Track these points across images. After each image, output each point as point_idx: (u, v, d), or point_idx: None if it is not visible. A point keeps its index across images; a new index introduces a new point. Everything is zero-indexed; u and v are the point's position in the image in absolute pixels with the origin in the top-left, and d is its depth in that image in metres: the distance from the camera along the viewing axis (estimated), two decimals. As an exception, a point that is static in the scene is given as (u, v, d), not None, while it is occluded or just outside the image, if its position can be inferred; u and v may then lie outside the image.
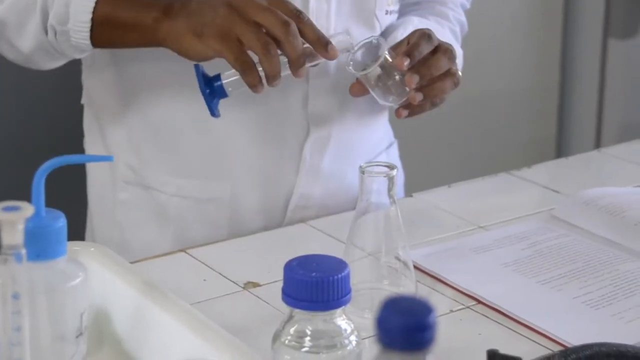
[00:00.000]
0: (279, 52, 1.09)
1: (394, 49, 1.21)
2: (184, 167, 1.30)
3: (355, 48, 1.16)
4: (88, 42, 1.16)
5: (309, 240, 1.25)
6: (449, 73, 1.21)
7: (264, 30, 1.08)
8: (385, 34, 1.34)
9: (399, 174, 1.47)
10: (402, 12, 1.39)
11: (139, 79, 1.28)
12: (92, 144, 1.37)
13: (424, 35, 1.21)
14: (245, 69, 1.09)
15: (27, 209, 0.70)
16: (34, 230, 0.77)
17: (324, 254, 0.83)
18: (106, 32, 1.16)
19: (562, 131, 3.15)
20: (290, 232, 1.28)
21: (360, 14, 1.29)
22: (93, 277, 0.88)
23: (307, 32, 1.11)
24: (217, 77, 1.13)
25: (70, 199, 1.50)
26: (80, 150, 1.40)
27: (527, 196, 1.39)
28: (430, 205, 1.35)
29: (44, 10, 1.16)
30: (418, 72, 1.18)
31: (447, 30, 1.41)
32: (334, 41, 1.13)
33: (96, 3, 1.15)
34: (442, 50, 1.21)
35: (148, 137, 1.30)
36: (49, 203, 0.81)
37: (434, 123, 2.76)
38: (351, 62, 1.17)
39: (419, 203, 1.36)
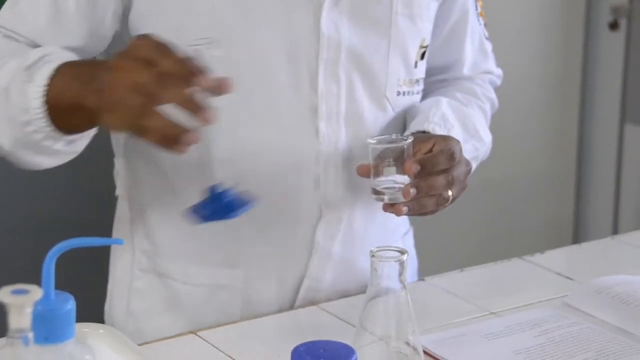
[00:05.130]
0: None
1: (417, 143, 1.21)
2: (197, 253, 1.30)
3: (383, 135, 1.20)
4: (50, 127, 1.11)
5: (320, 324, 1.25)
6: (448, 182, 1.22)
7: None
8: (416, 113, 1.34)
9: (412, 261, 1.48)
10: (430, 90, 1.40)
11: (155, 172, 1.29)
12: (117, 234, 1.38)
13: (447, 152, 1.21)
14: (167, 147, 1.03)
15: (36, 293, 0.70)
16: (43, 313, 0.78)
17: (335, 337, 0.83)
18: (59, 115, 1.11)
19: (579, 216, 3.14)
20: (301, 315, 1.28)
21: (371, 95, 1.29)
22: (101, 359, 0.88)
23: (204, 84, 1.02)
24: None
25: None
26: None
27: (540, 282, 1.39)
28: (442, 289, 1.35)
29: (9, 102, 1.12)
30: (418, 185, 1.18)
31: (475, 108, 1.42)
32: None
33: (49, 87, 1.10)
34: (456, 167, 1.22)
35: (163, 222, 1.31)
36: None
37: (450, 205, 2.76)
38: (373, 139, 1.20)
39: (431, 287, 1.36)
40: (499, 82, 1.51)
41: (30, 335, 0.72)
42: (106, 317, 1.41)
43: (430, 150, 1.22)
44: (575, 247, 1.61)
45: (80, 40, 1.22)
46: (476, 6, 1.43)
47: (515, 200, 2.99)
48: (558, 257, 1.49)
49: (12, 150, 1.17)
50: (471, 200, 2.82)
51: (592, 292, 1.28)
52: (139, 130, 1.02)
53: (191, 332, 1.21)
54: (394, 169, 1.19)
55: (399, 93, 1.32)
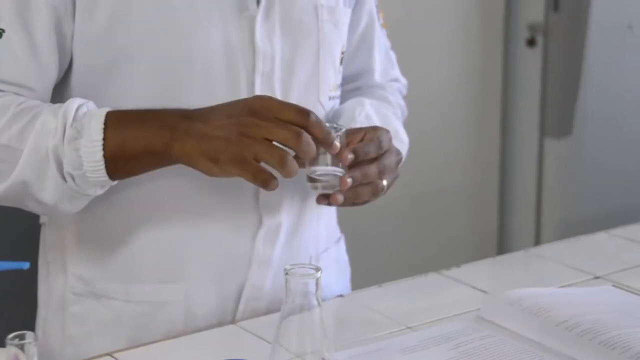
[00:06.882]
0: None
1: (348, 134, 1.25)
2: (137, 272, 1.29)
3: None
4: (106, 178, 1.17)
5: (236, 342, 1.25)
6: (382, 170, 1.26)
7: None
8: (341, 113, 1.38)
9: (345, 268, 1.49)
10: (345, 97, 1.43)
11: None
12: (45, 259, 1.37)
13: (377, 141, 1.26)
14: (266, 183, 1.14)
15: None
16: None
17: (251, 355, 0.83)
18: (120, 165, 1.17)
19: (503, 228, 3.19)
20: (216, 334, 1.28)
21: (306, 102, 1.30)
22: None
23: (315, 133, 1.16)
24: None
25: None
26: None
27: (455, 296, 1.41)
28: (361, 305, 1.37)
29: (57, 160, 1.16)
30: (353, 175, 1.23)
31: (391, 113, 1.45)
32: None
33: (104, 140, 1.16)
34: (386, 155, 1.26)
35: (100, 243, 1.29)
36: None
37: (375, 220, 2.78)
38: None
39: (350, 302, 1.37)
40: (405, 91, 1.55)
41: None
42: (40, 344, 1.38)
43: (362, 140, 1.26)
44: (490, 260, 1.64)
45: (55, 72, 1.23)
46: (378, 17, 1.48)
47: (440, 214, 3.02)
48: (473, 271, 1.51)
49: (55, 204, 1.19)
50: (395, 214, 2.85)
51: (504, 305, 1.31)
52: (244, 168, 1.13)
53: (107, 354, 1.20)
54: (328, 156, 1.22)
55: (330, 97, 1.36)
